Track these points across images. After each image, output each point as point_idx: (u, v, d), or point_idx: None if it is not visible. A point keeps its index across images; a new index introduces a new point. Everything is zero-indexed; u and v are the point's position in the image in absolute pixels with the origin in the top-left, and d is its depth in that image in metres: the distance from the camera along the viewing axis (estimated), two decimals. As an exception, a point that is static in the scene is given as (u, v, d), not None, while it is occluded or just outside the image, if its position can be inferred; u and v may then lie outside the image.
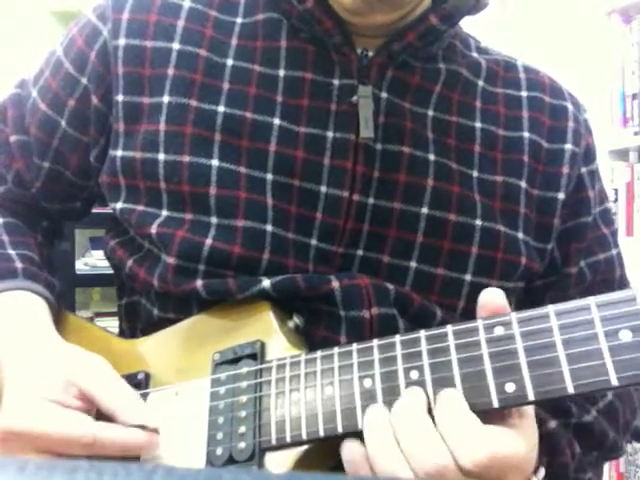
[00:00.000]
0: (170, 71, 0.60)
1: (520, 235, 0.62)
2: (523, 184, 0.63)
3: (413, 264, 0.59)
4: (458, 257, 0.60)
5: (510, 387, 0.42)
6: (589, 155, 0.68)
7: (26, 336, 0.56)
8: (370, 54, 0.61)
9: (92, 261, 2.06)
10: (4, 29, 2.15)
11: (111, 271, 0.70)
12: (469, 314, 0.60)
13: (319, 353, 0.49)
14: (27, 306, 0.59)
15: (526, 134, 0.65)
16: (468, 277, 0.60)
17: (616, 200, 2.00)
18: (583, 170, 0.67)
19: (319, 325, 0.57)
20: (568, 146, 0.66)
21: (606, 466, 1.95)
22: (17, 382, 0.52)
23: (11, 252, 0.63)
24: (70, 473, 0.21)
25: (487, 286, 0.60)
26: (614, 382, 0.40)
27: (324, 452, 0.50)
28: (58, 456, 0.47)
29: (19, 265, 0.62)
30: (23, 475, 0.21)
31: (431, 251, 0.59)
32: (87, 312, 2.21)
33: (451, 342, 0.45)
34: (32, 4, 2.25)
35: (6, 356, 0.54)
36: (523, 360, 0.43)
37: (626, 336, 0.40)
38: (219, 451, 0.50)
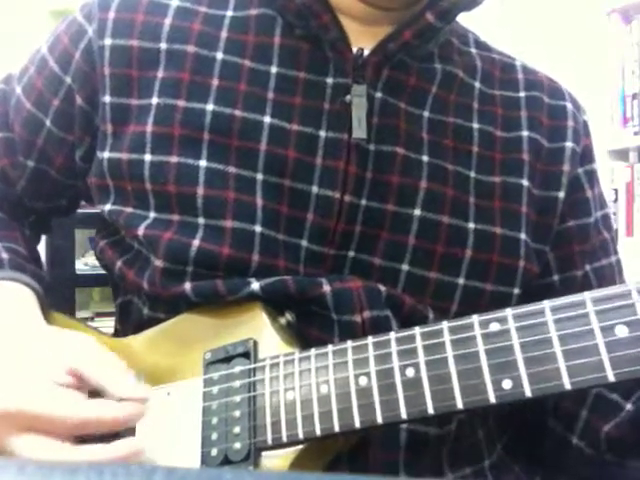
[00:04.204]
0: (159, 73, 0.59)
1: (522, 236, 0.61)
2: (525, 182, 0.62)
3: (405, 267, 0.58)
4: (451, 260, 0.59)
5: (507, 384, 0.42)
6: (587, 156, 0.68)
7: (14, 321, 0.55)
8: (366, 53, 0.60)
9: (92, 261, 2.06)
10: (3, 28, 2.15)
11: (111, 271, 0.69)
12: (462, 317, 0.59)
13: (313, 351, 0.49)
14: (14, 295, 0.59)
15: (525, 133, 0.64)
16: (461, 281, 0.59)
17: (616, 200, 2.00)
18: (580, 170, 0.66)
19: (312, 326, 0.56)
20: (569, 144, 0.65)
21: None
22: (7, 364, 0.51)
23: None
24: (70, 473, 0.21)
25: (481, 290, 0.59)
26: (611, 378, 0.40)
27: (321, 448, 0.49)
28: (47, 435, 0.47)
29: (5, 256, 0.62)
30: (23, 475, 0.21)
31: (424, 254, 0.58)
32: (87, 312, 2.21)
33: (447, 338, 0.45)
34: (31, 3, 2.26)
35: None
36: (519, 356, 0.42)
37: (622, 331, 0.40)
38: (214, 452, 0.49)
